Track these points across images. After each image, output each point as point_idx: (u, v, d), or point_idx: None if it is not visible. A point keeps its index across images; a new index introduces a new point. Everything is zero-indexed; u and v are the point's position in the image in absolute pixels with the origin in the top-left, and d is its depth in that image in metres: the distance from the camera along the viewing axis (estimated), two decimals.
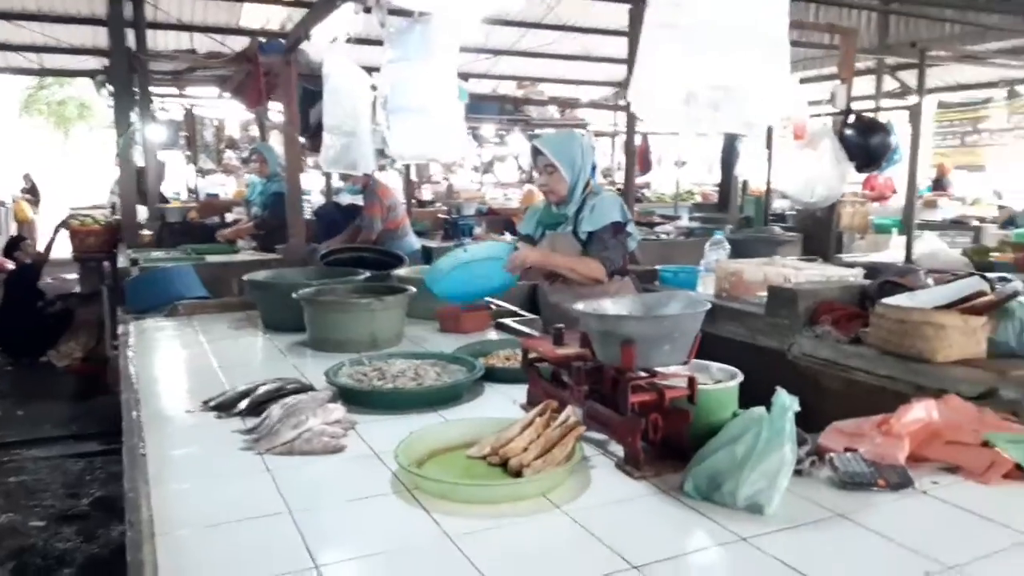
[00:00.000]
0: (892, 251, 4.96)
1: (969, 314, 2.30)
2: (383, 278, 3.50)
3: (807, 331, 2.72)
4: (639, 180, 10.26)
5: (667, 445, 1.68)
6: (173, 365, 2.70)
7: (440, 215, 8.11)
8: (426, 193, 13.10)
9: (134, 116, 7.17)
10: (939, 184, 12.36)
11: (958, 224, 8.78)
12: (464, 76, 7.01)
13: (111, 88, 7.75)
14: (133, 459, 1.70)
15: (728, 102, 1.61)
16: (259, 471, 1.68)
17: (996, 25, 10.63)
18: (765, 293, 3.13)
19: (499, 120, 12.07)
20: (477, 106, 10.00)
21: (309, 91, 5.39)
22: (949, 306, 2.33)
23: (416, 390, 2.11)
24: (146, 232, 7.00)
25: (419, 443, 1.72)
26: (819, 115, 4.40)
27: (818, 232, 6.75)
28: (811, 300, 2.77)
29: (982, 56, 9.59)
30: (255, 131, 12.84)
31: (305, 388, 2.15)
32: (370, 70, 3.61)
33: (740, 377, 1.82)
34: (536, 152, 3.06)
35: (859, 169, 4.34)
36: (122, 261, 5.77)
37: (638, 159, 8.06)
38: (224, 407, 2.11)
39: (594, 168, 3.15)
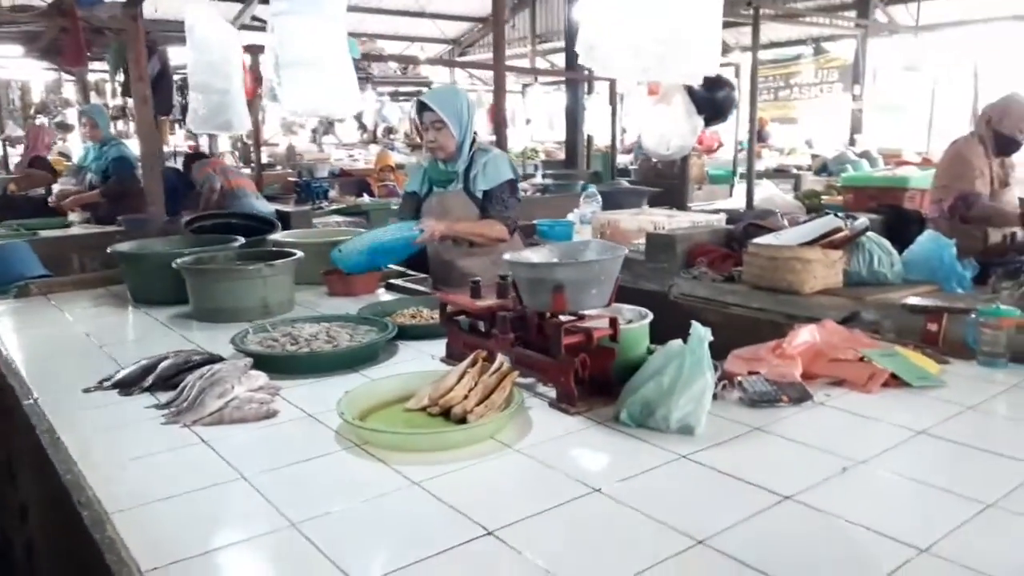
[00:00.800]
0: (734, 199, 5.36)
1: (829, 249, 2.58)
2: (260, 243, 3.39)
3: (685, 273, 2.93)
4: (490, 139, 10.33)
5: (594, 382, 1.80)
6: (48, 348, 2.49)
7: (290, 178, 7.83)
8: (263, 156, 12.54)
9: None
10: (759, 136, 13.40)
11: (780, 172, 9.61)
12: None
13: None
14: (53, 443, 1.59)
15: (672, 54, 1.71)
16: (193, 443, 1.63)
17: None
18: (641, 241, 3.32)
19: None
20: None
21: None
22: (811, 243, 2.60)
23: (335, 352, 2.10)
24: None
25: (356, 401, 1.73)
26: None
27: (659, 184, 7.17)
28: (686, 244, 2.99)
29: (801, 13, 10.44)
30: (68, 93, 11.76)
31: (214, 358, 2.08)
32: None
33: (650, 316, 1.96)
34: (422, 108, 3.05)
35: (707, 123, 4.65)
36: None
37: (489, 118, 8.14)
38: (126, 384, 2.00)
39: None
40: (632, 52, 1.76)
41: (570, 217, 4.15)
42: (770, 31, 13.84)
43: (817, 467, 1.44)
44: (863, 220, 2.74)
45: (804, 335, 2.00)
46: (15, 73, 10.59)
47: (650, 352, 1.91)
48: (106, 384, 2.01)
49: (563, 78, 9.55)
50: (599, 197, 3.68)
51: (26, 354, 2.35)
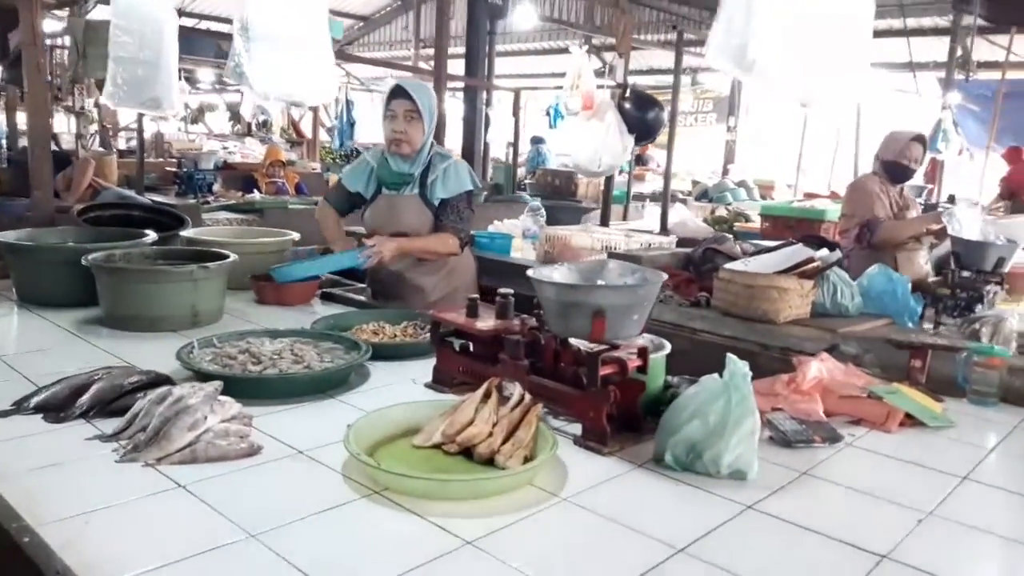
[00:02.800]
0: (647, 220, 5.40)
1: (802, 279, 2.57)
2: (169, 241, 3.00)
3: None
4: None
5: (619, 418, 1.64)
6: None
7: (168, 168, 7.19)
8: (120, 142, 11.55)
9: None
10: (640, 160, 13.79)
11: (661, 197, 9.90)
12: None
13: None
14: None
15: (833, 79, 1.59)
16: (168, 488, 1.33)
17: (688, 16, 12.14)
18: (592, 259, 3.21)
19: (216, 63, 10.93)
20: (189, 44, 8.94)
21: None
22: (785, 271, 2.58)
23: (312, 374, 1.82)
24: None
25: (361, 436, 1.48)
26: (602, 86, 4.61)
27: (554, 200, 7.14)
28: (650, 267, 2.90)
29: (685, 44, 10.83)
30: None
31: (162, 379, 1.75)
32: None
33: (668, 346, 1.83)
34: (398, 94, 2.77)
35: (637, 141, 4.64)
36: None
37: None
38: (52, 408, 1.65)
39: None
40: (802, 72, 1.66)
41: (500, 229, 3.99)
42: (651, 57, 14.33)
43: (893, 519, 1.35)
44: (835, 252, 2.76)
45: (814, 370, 1.93)
46: None
47: (668, 386, 1.78)
48: (27, 407, 1.65)
49: (461, 84, 9.38)
50: (543, 211, 3.54)
51: None
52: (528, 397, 1.59)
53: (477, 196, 3.08)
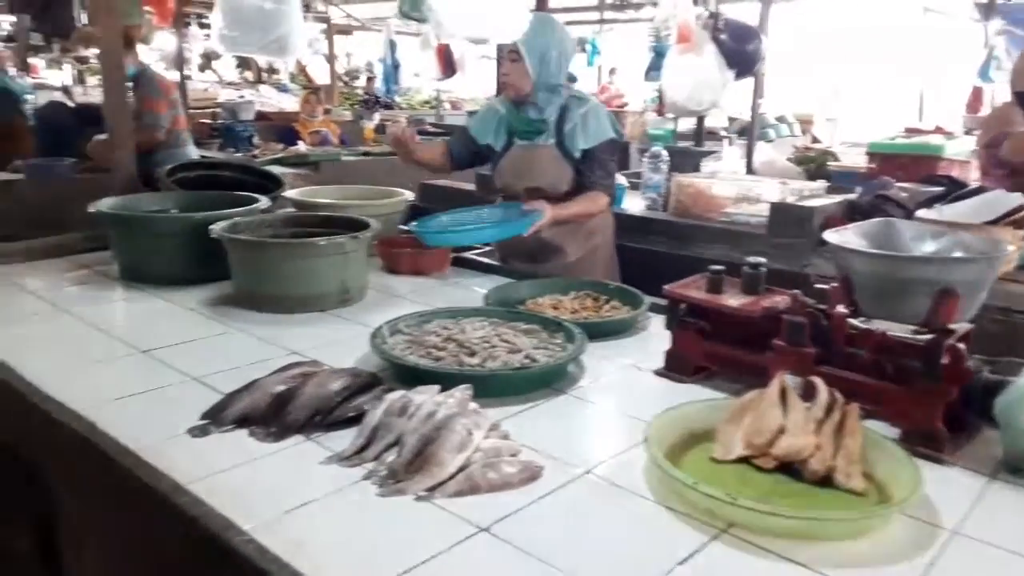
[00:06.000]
0: (726, 161, 5.05)
1: (1015, 228, 2.28)
2: (274, 204, 2.69)
3: (823, 249, 2.55)
4: (440, 85, 9.48)
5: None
6: (61, 354, 1.74)
7: (202, 120, 6.79)
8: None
9: None
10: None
11: (711, 135, 9.47)
12: None
13: None
14: (260, 552, 0.97)
15: None
16: (469, 533, 1.05)
17: None
18: (734, 210, 2.91)
19: None
20: None
21: None
22: (995, 221, 2.29)
23: (546, 368, 1.54)
24: None
25: (659, 449, 1.21)
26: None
27: None
28: (821, 218, 2.61)
29: None
30: None
31: (375, 380, 1.47)
32: None
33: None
34: None
35: (737, 77, 4.28)
36: None
37: (438, 60, 7.38)
38: (255, 421, 1.37)
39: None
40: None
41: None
42: None
43: None
44: None
45: None
46: None
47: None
48: (223, 420, 1.37)
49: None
50: (666, 156, 3.20)
51: (39, 368, 1.60)
52: (839, 396, 1.32)
53: (620, 143, 2.77)
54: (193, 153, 4.58)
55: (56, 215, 3.12)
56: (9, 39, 8.02)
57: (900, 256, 1.33)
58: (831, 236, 1.35)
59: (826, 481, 1.20)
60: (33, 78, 8.34)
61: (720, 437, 1.31)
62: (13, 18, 6.76)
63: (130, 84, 3.48)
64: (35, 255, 2.55)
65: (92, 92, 7.16)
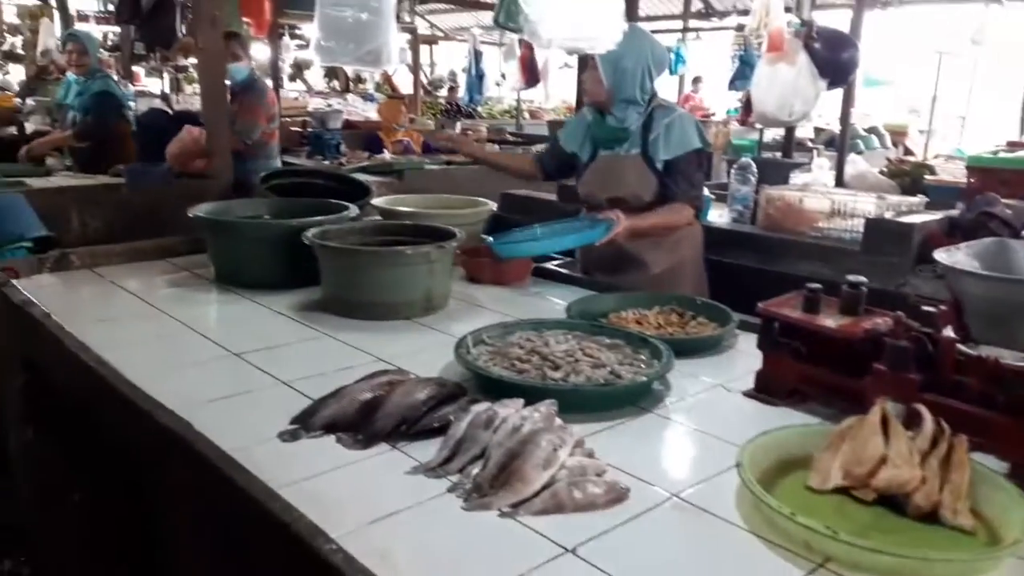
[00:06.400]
0: (815, 173, 4.90)
1: None
2: (362, 212, 2.73)
3: (923, 269, 2.44)
4: (523, 95, 9.54)
5: None
6: (158, 354, 1.82)
7: (293, 128, 7.00)
8: None
9: None
10: (748, 107, 12.99)
11: (798, 146, 9.20)
12: None
13: None
14: (349, 562, 0.98)
15: None
16: (555, 554, 1.04)
17: None
18: (826, 224, 2.81)
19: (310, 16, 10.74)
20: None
21: None
22: None
23: (632, 385, 1.51)
24: None
25: (753, 475, 1.17)
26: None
27: None
28: (920, 235, 2.50)
29: None
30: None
31: (460, 390, 1.47)
32: None
33: None
34: None
35: (829, 87, 4.15)
36: None
37: (521, 70, 7.42)
38: (342, 427, 1.39)
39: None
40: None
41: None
42: None
43: None
44: None
45: None
46: None
47: None
48: (312, 426, 1.39)
49: None
50: (755, 168, 3.12)
51: (134, 365, 1.66)
52: (946, 427, 1.25)
53: (707, 154, 2.72)
54: (271, 164, 4.71)
55: (154, 219, 3.27)
56: (114, 48, 8.43)
57: (1020, 280, 1.25)
58: (941, 256, 1.28)
59: (930, 517, 1.14)
60: (135, 86, 8.77)
61: (817, 465, 1.25)
62: (118, 28, 7.11)
63: (230, 84, 3.59)
64: (135, 257, 2.66)
65: (189, 100, 7.46)
